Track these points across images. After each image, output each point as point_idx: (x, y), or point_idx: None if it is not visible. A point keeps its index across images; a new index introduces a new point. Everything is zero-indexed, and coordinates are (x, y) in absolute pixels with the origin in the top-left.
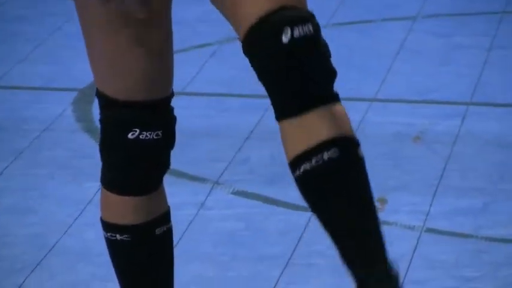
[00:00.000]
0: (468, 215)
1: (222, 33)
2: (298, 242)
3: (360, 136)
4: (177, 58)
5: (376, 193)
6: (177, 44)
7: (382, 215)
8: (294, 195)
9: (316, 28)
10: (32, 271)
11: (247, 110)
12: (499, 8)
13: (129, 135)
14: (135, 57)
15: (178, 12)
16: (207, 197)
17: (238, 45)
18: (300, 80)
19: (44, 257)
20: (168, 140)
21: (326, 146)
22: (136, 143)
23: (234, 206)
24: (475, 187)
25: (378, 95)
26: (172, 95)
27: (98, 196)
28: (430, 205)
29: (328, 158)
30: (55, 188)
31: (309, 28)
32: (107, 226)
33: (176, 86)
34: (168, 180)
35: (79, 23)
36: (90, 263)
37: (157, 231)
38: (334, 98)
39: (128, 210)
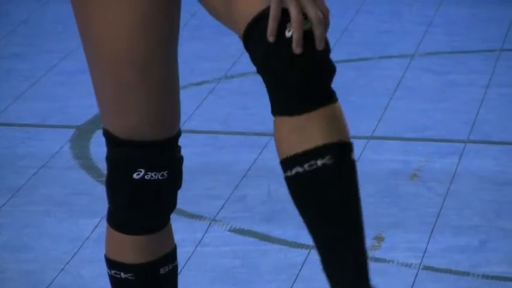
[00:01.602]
0: (465, 252)
1: (219, 71)
2: (295, 279)
3: None
4: None
5: (373, 230)
6: None
7: (379, 253)
8: (291, 232)
9: None
10: None
11: (244, 148)
12: (496, 46)
13: (135, 176)
14: (139, 93)
15: None
16: (204, 234)
17: (236, 82)
18: (300, 77)
19: None
20: (174, 180)
21: (321, 152)
22: (141, 183)
23: (231, 243)
24: (472, 225)
25: (374, 133)
26: (179, 134)
27: (95, 233)
28: (427, 243)
29: (322, 165)
30: (51, 225)
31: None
32: (111, 263)
33: None
34: None
35: (85, 59)
36: None
37: (162, 270)
38: (333, 98)
39: (133, 249)
